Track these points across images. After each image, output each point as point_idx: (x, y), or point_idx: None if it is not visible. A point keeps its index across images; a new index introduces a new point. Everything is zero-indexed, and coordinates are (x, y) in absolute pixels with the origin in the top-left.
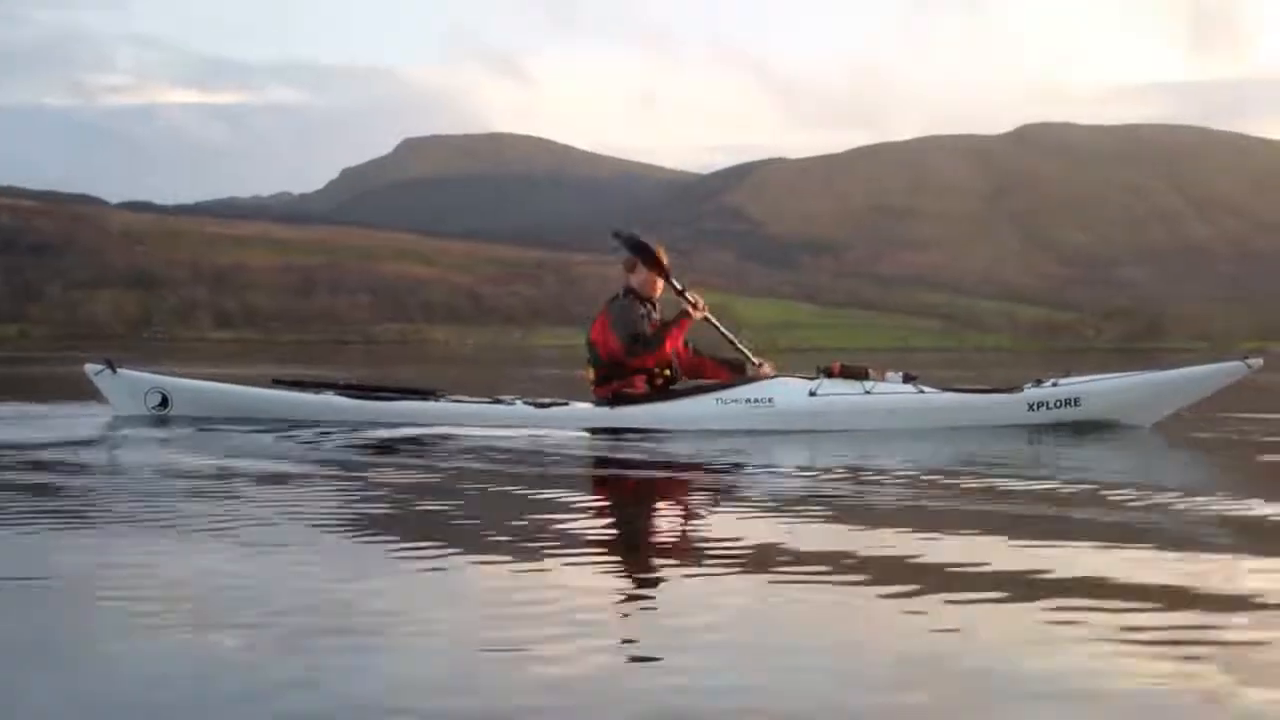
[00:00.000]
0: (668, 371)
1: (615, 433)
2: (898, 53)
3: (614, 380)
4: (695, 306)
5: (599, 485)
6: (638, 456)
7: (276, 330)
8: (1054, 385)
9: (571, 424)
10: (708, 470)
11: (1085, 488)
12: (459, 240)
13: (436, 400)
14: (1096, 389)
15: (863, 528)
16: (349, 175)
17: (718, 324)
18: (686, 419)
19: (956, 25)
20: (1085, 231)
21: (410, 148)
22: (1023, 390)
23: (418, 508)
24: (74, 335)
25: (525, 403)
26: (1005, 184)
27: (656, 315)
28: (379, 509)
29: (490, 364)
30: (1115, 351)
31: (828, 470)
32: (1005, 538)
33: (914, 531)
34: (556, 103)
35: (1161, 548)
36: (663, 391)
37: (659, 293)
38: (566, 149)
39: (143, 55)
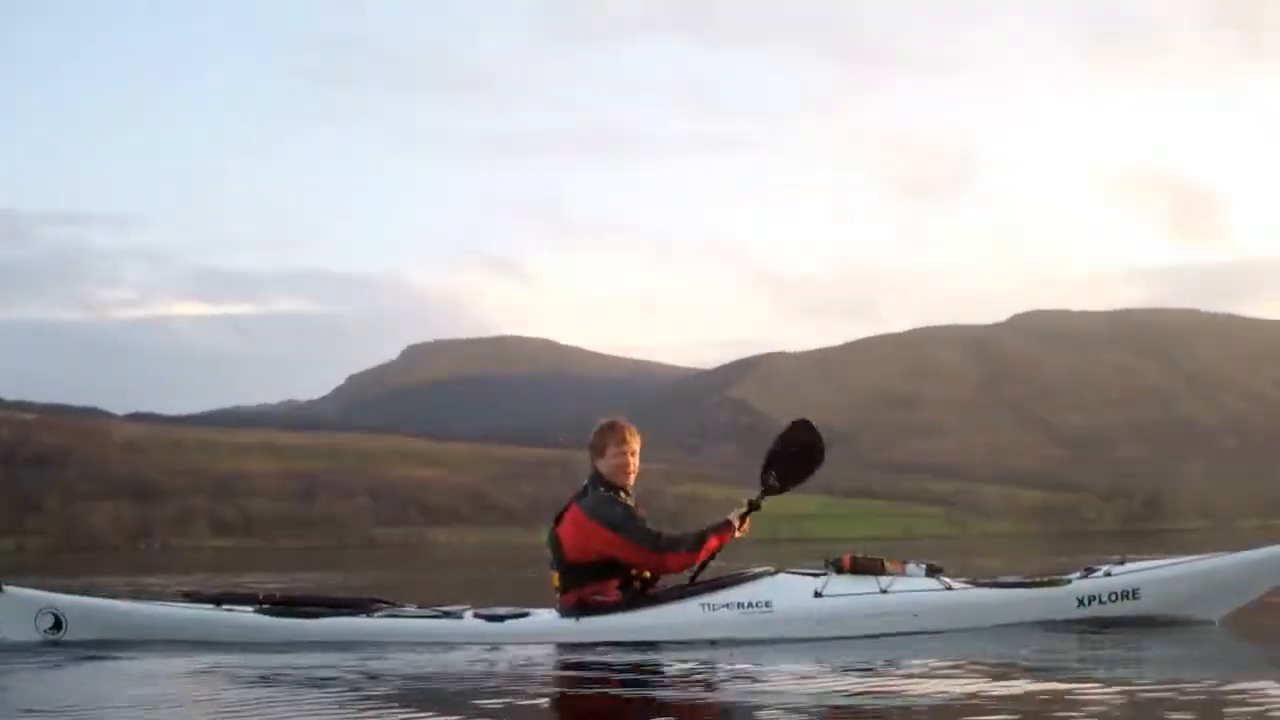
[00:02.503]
0: (647, 572)
1: (582, 649)
2: (886, 244)
3: (582, 585)
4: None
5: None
6: (604, 676)
7: (275, 537)
8: (1107, 575)
9: (530, 640)
10: (688, 687)
11: (1165, 698)
12: (462, 442)
13: (371, 615)
14: (1158, 577)
15: None
16: (354, 381)
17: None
18: (667, 629)
19: (945, 216)
20: (1082, 413)
21: (415, 353)
22: (1070, 582)
23: None
24: (72, 547)
25: (477, 615)
26: (1002, 370)
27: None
28: None
29: (487, 564)
30: (1118, 534)
31: (838, 689)
32: None
33: None
34: (559, 306)
35: None
36: (639, 597)
37: (631, 479)
38: (570, 349)
39: (149, 269)
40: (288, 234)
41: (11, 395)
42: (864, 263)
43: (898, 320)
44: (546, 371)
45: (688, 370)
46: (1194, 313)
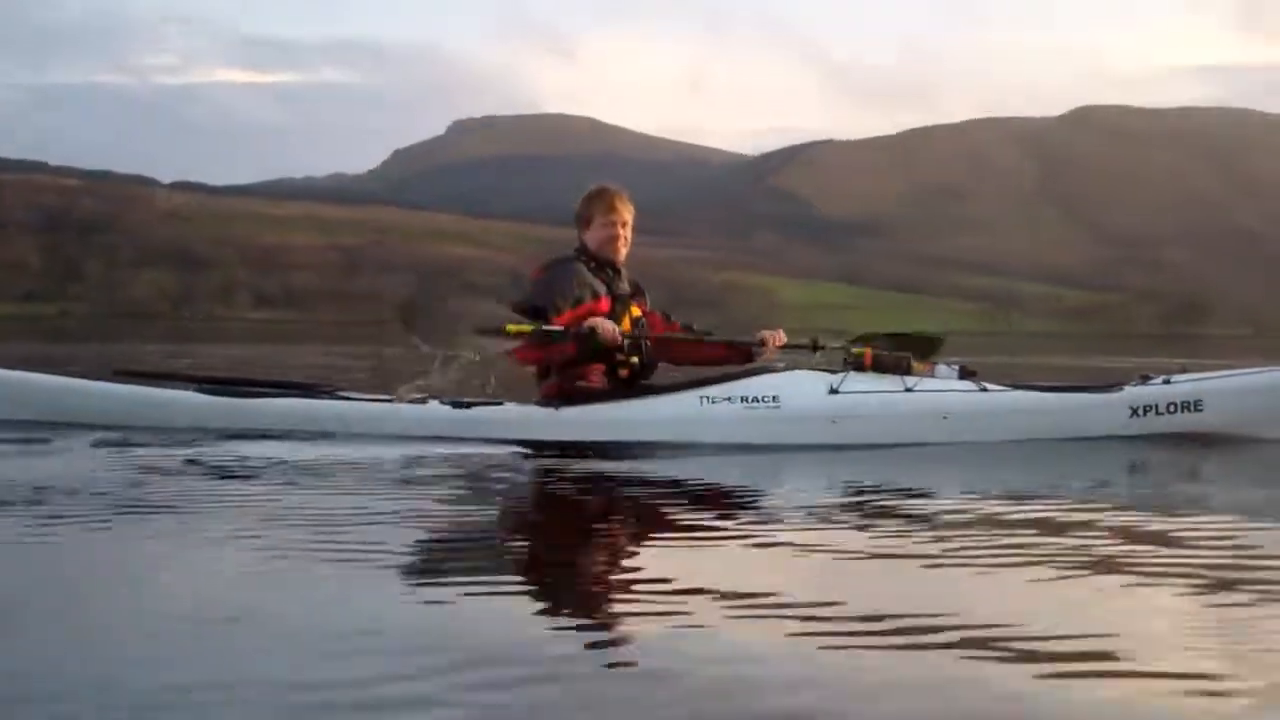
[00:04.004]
0: (635, 358)
1: (560, 447)
2: (950, 32)
3: (563, 370)
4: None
5: (517, 521)
6: (582, 475)
7: (316, 310)
8: (1166, 383)
9: (500, 433)
10: (677, 496)
11: (1229, 531)
12: (505, 220)
13: (324, 398)
14: (1225, 388)
15: (901, 582)
16: (400, 156)
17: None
18: (658, 425)
19: (1009, 5)
20: (1133, 214)
21: (462, 129)
22: (1123, 389)
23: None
24: (114, 314)
25: (444, 402)
26: (1055, 167)
27: (624, 287)
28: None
29: None
30: (1159, 338)
31: (850, 504)
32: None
33: (972, 590)
34: (606, 84)
35: None
36: (628, 386)
37: (623, 254)
38: (617, 130)
39: (191, 35)
40: (333, 1)
41: (56, 160)
42: (924, 51)
43: (955, 110)
44: (592, 152)
45: (735, 156)
46: (1256, 114)
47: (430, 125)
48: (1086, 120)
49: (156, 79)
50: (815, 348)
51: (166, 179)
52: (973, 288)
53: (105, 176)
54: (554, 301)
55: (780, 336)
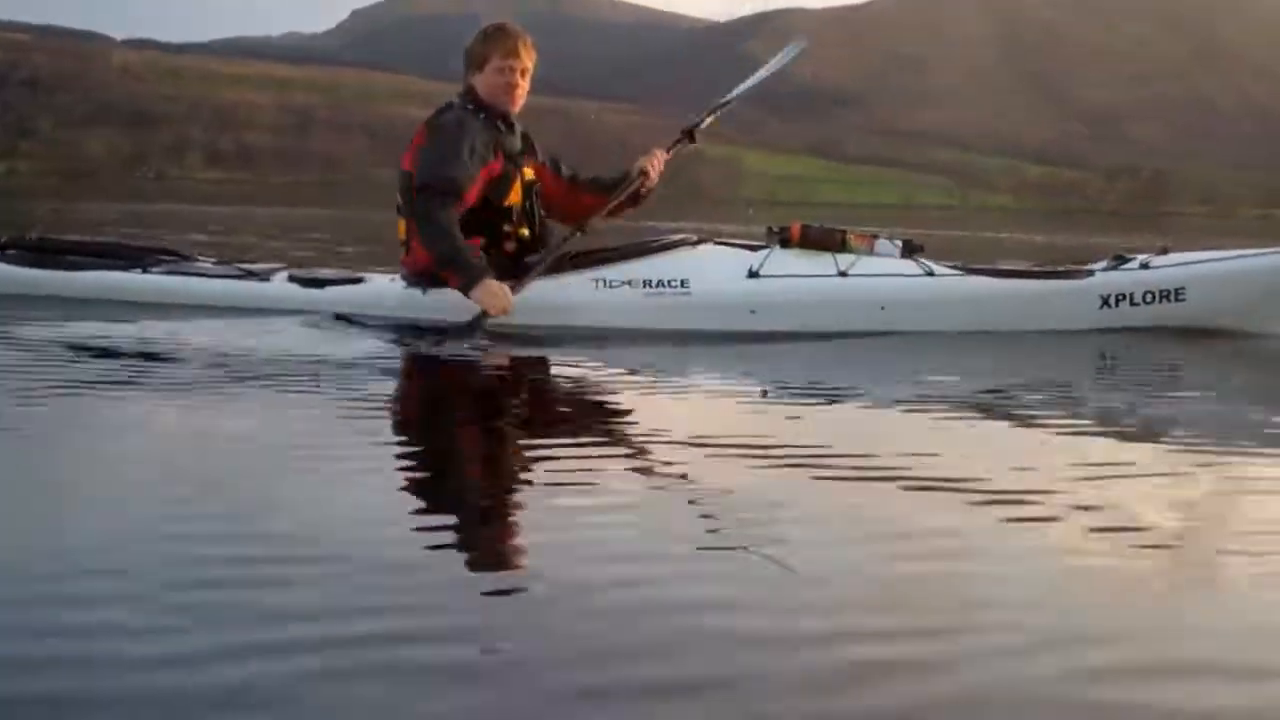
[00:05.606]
0: (525, 230)
1: (428, 334)
2: None
3: None
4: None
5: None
6: (448, 371)
7: (270, 171)
8: (1144, 267)
9: (354, 312)
10: (554, 397)
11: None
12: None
13: (148, 271)
14: (1210, 274)
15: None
16: (359, 15)
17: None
18: (543, 311)
19: None
20: (1100, 88)
21: None
22: (1094, 274)
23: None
24: (65, 173)
25: (292, 277)
26: (1022, 36)
27: (516, 143)
28: None
29: None
30: (1119, 215)
31: (764, 410)
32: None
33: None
34: None
35: None
36: (512, 264)
37: (518, 105)
38: None
39: None
40: None
41: (5, 14)
42: None
43: None
44: (557, 14)
45: (700, 21)
46: None
47: None
48: None
49: None
50: (691, 135)
51: (120, 35)
52: (936, 161)
53: (57, 32)
54: (465, 174)
55: (659, 156)
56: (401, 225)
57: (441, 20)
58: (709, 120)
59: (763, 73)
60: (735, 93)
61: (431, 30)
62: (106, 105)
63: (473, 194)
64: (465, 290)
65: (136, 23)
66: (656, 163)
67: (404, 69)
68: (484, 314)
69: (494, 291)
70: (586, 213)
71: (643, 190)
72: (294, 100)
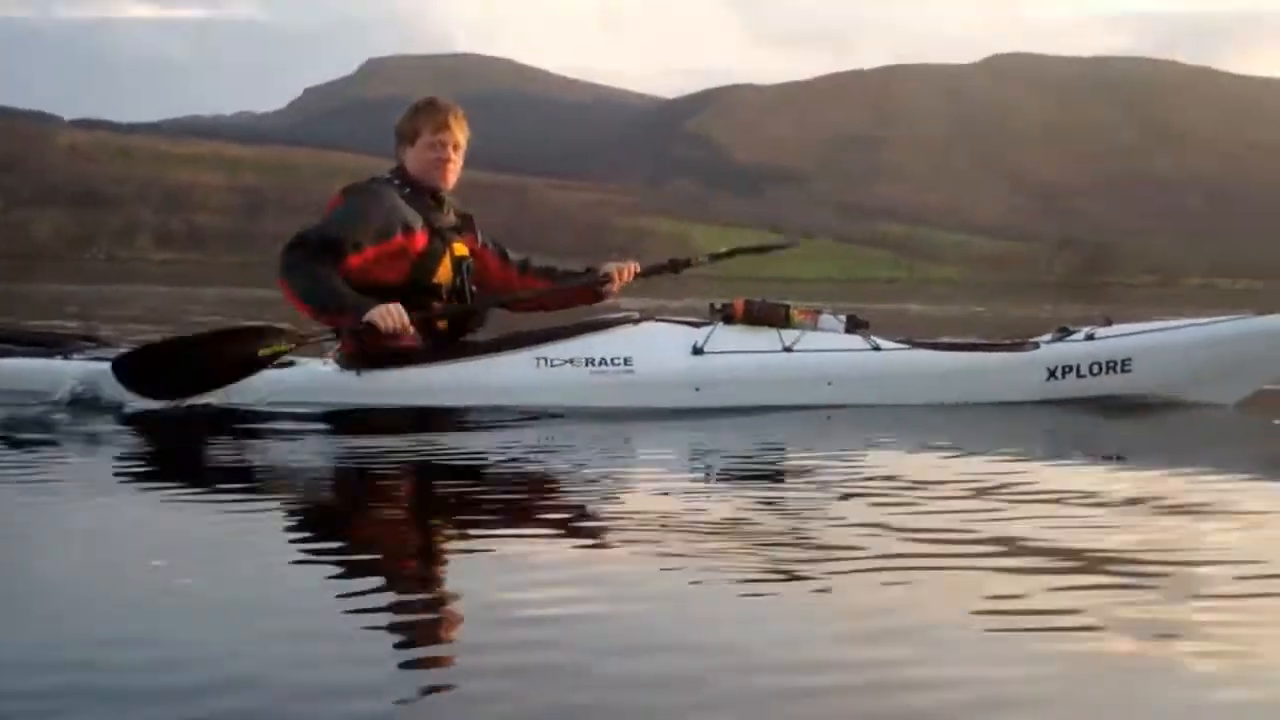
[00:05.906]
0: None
1: (365, 414)
2: None
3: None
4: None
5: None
6: (390, 459)
7: (221, 252)
8: (1088, 339)
9: (289, 399)
10: (503, 480)
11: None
12: None
13: (70, 357)
14: (1156, 345)
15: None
16: (311, 95)
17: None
18: (483, 392)
19: None
20: (1049, 165)
21: (374, 68)
22: (1039, 346)
23: None
24: (12, 254)
25: None
26: (973, 115)
27: (448, 219)
28: None
29: None
30: (1067, 287)
31: (710, 489)
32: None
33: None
34: (520, 21)
35: None
36: (448, 344)
37: (450, 181)
38: (532, 70)
39: None
40: None
41: None
42: None
43: (871, 55)
44: (506, 95)
45: (651, 99)
46: (1175, 65)
47: (342, 64)
48: (1005, 67)
49: (61, 13)
50: (676, 269)
51: (69, 115)
52: (886, 235)
53: (5, 113)
54: (352, 236)
55: (631, 269)
56: None
57: (395, 101)
58: (702, 261)
59: (758, 243)
60: (727, 251)
61: (385, 110)
62: (55, 186)
63: (367, 255)
64: (357, 319)
65: (87, 104)
66: (627, 274)
67: (357, 148)
68: (372, 325)
69: (388, 310)
70: (537, 302)
71: (603, 291)
72: (245, 180)
